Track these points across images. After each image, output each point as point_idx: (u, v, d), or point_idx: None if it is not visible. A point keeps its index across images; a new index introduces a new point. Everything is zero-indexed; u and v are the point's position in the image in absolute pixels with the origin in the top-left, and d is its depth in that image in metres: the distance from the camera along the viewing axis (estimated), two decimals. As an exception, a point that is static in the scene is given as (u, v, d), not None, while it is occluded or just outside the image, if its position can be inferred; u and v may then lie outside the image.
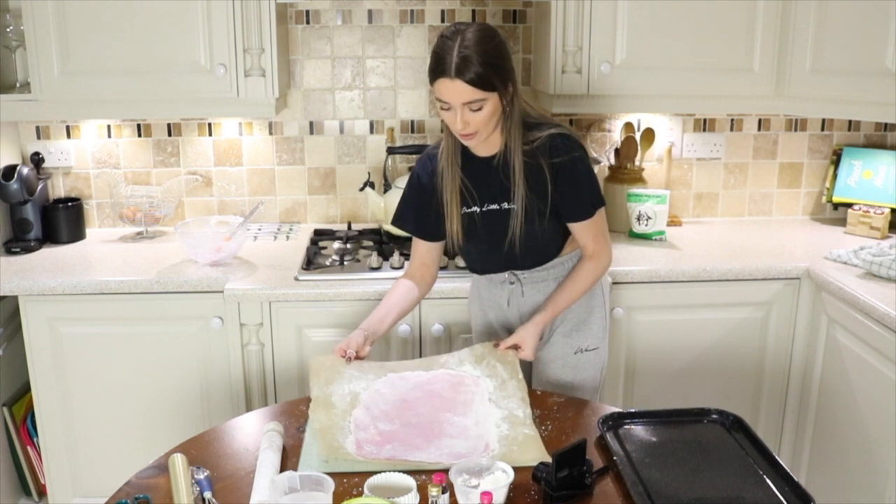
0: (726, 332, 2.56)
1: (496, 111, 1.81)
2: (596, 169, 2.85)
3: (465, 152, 1.95)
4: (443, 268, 2.48)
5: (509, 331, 2.09)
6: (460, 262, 2.49)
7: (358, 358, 1.96)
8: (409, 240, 2.66)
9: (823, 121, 3.04)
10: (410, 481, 1.45)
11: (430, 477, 1.46)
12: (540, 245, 1.98)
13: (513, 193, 1.90)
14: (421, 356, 2.46)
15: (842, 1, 2.49)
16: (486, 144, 1.91)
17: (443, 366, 1.91)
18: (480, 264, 2.10)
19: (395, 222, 2.13)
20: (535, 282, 2.04)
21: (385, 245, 2.67)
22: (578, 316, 2.06)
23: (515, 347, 1.93)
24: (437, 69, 1.77)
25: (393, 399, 1.79)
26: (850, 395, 2.33)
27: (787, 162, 3.08)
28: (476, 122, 1.80)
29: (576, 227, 1.97)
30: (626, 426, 1.70)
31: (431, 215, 2.02)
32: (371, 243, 2.73)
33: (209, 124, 2.91)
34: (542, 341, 2.07)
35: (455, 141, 1.91)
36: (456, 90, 1.76)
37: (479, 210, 1.96)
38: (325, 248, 2.70)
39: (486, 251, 2.02)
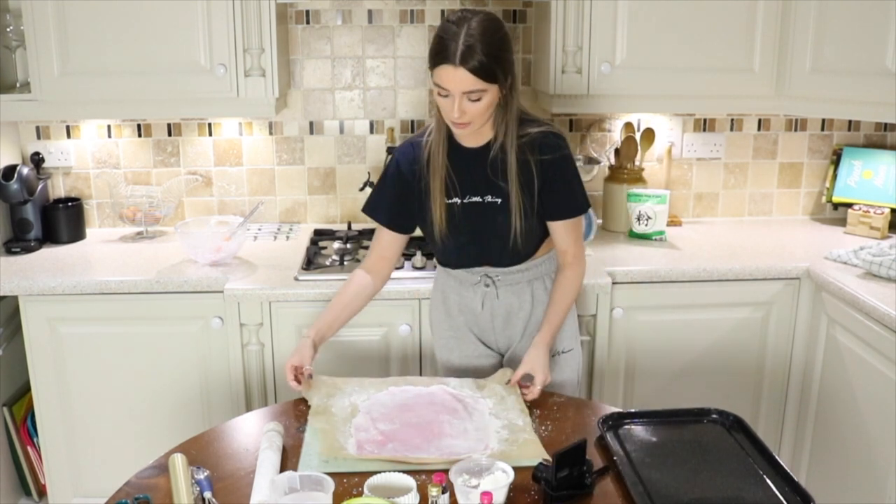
0: (726, 332, 2.56)
1: (494, 103, 1.79)
2: (595, 170, 2.88)
3: (451, 141, 1.90)
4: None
5: (479, 337, 2.07)
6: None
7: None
8: (416, 241, 2.67)
9: (823, 121, 3.04)
10: (410, 481, 1.45)
11: (430, 477, 1.46)
12: (521, 243, 1.93)
13: (501, 188, 1.88)
14: (420, 357, 2.47)
15: (842, 1, 2.49)
16: (474, 135, 1.88)
17: (444, 384, 1.91)
18: (455, 258, 2.02)
19: (366, 210, 2.03)
20: (510, 284, 2.01)
21: (385, 245, 2.67)
22: None
23: (525, 380, 1.87)
24: (441, 55, 1.72)
25: (393, 405, 1.80)
26: (850, 395, 2.33)
27: (787, 162, 3.08)
28: (473, 112, 1.77)
29: (558, 228, 1.96)
30: (626, 426, 1.70)
31: (405, 205, 1.97)
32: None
33: (209, 124, 2.91)
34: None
35: (445, 129, 1.88)
36: (458, 78, 1.72)
37: (459, 201, 1.92)
38: (324, 248, 2.69)
39: (464, 244, 1.97)
